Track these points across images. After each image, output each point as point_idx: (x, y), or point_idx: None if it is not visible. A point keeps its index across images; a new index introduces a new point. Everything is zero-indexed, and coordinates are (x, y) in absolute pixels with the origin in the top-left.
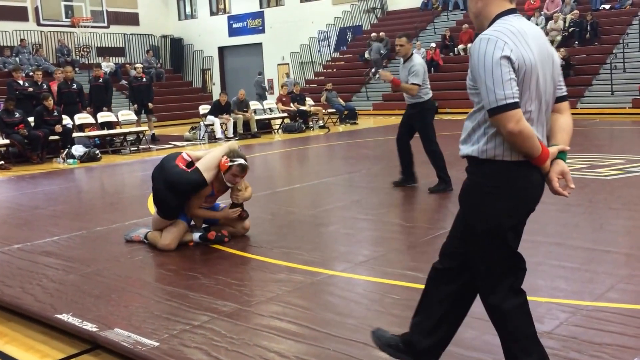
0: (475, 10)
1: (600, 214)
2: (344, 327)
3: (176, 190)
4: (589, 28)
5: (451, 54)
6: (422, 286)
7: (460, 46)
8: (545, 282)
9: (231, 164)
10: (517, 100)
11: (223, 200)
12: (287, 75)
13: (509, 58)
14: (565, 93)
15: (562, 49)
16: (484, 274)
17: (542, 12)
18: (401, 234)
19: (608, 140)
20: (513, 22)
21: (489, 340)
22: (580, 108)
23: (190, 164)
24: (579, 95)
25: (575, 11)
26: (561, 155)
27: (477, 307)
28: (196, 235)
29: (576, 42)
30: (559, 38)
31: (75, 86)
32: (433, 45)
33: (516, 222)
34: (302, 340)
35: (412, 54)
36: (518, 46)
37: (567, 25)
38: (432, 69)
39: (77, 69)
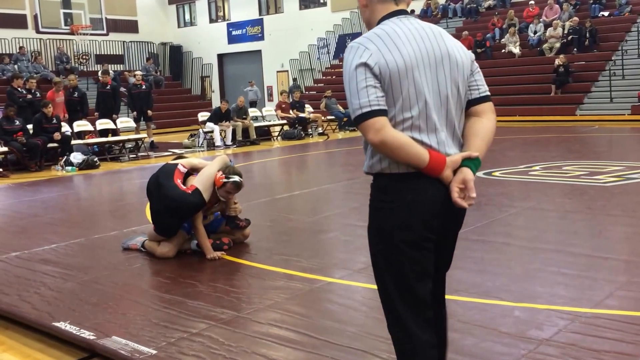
0: (365, 18)
1: (599, 220)
2: (342, 334)
3: (178, 215)
4: (587, 35)
5: None
6: None
7: None
8: (544, 289)
9: (226, 180)
10: (375, 108)
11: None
12: (295, 79)
13: (366, 64)
14: (484, 94)
15: (561, 56)
16: (383, 301)
17: (541, 19)
18: None
19: (607, 147)
20: (389, 24)
21: (489, 347)
22: (579, 115)
23: (187, 174)
24: (578, 102)
25: (575, 18)
26: (468, 162)
27: (477, 314)
28: (194, 243)
29: (575, 49)
30: (557, 45)
31: (76, 94)
32: None
33: (413, 237)
34: (300, 347)
35: None
36: (381, 50)
37: (566, 32)
38: None
39: (76, 77)
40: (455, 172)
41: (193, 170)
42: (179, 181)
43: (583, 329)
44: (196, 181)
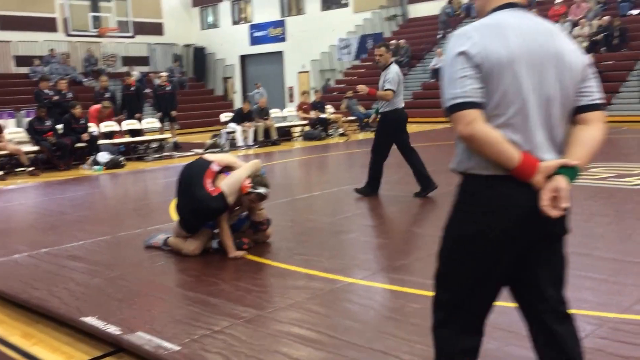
0: (478, 6)
1: (628, 224)
2: (363, 335)
3: (199, 216)
4: (616, 34)
5: None
6: None
7: None
8: (570, 294)
9: (252, 190)
10: (469, 100)
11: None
12: (328, 80)
13: (466, 53)
14: (595, 102)
15: (588, 55)
16: (437, 301)
17: (568, 18)
18: (420, 242)
19: (636, 148)
20: (497, 16)
21: (511, 351)
22: (608, 115)
23: (220, 172)
24: (607, 103)
25: (605, 17)
26: (564, 170)
27: (500, 318)
28: (215, 242)
29: (603, 48)
30: (585, 44)
31: (108, 95)
32: None
33: (488, 245)
34: (321, 347)
35: (390, 63)
36: (486, 40)
37: (594, 31)
38: None
39: (107, 79)
40: (548, 179)
41: (226, 169)
42: (208, 180)
43: (611, 335)
44: (224, 183)
